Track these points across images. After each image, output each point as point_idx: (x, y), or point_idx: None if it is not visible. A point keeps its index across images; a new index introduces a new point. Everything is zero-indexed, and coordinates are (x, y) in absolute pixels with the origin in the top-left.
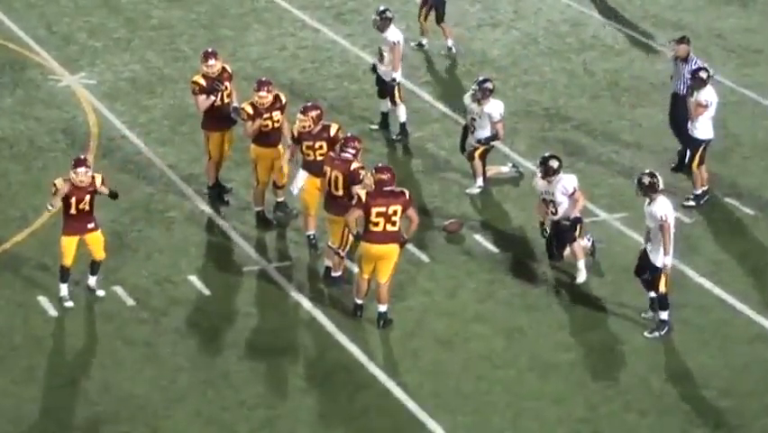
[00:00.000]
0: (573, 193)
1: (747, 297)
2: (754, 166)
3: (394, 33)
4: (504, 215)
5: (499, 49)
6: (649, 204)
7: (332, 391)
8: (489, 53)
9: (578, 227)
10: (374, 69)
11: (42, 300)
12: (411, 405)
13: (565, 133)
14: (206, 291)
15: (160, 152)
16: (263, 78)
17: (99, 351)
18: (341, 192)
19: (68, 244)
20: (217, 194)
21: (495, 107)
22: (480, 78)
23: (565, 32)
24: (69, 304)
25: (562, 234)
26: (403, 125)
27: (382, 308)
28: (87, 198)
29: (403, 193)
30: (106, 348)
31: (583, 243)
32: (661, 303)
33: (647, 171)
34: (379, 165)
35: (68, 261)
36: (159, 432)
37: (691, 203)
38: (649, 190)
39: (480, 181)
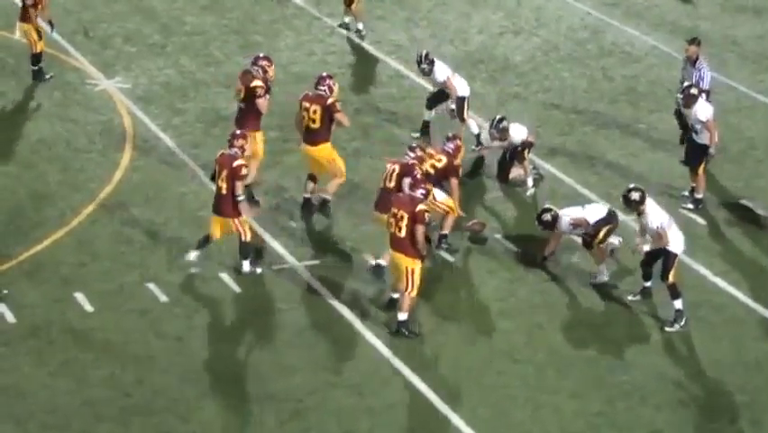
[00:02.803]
0: (579, 223)
1: (760, 296)
2: (767, 169)
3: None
4: (524, 216)
5: (521, 55)
6: (640, 216)
7: (358, 385)
8: (512, 59)
9: (608, 231)
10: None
11: (79, 296)
12: (434, 398)
13: (585, 137)
14: (237, 288)
15: (192, 153)
16: (324, 74)
17: (133, 345)
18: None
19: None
20: (249, 195)
21: (517, 134)
22: (498, 117)
23: (585, 39)
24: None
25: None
26: (477, 136)
27: (399, 316)
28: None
29: (414, 201)
30: (140, 343)
31: (614, 240)
32: (672, 293)
33: (631, 186)
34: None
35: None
36: (190, 423)
37: (690, 205)
38: (638, 204)
39: (529, 182)
